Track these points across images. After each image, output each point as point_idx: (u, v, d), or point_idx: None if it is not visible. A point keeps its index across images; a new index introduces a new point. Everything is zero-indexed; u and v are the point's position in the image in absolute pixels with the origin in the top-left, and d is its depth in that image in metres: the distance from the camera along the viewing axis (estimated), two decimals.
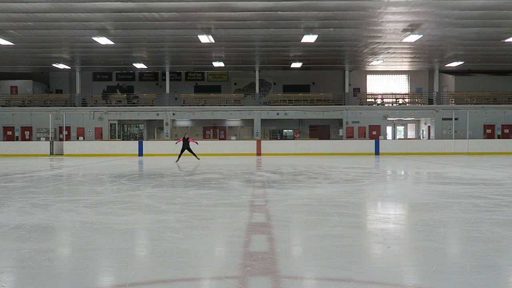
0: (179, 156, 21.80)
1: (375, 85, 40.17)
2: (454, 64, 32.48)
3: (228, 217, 6.89)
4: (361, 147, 28.95)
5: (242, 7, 18.75)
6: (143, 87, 40.25)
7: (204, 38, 22.87)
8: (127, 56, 30.09)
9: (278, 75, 39.64)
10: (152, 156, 27.83)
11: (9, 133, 34.34)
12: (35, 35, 23.47)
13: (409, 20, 20.89)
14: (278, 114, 34.13)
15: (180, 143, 22.23)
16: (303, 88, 39.58)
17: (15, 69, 36.45)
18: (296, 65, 32.86)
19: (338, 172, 15.31)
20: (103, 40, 23.35)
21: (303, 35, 22.72)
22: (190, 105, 35.50)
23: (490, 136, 33.69)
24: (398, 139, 36.15)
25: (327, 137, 36.56)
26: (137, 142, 29.67)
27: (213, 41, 23.66)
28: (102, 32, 22.44)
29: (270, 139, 35.84)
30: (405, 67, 36.19)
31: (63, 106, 35.27)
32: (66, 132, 33.61)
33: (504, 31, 22.85)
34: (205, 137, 38.10)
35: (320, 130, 37.47)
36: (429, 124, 35.89)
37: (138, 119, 35.74)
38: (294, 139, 35.23)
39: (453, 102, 35.82)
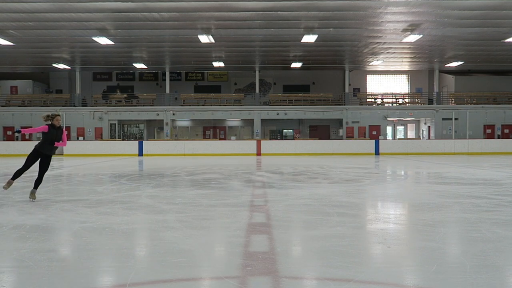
0: None
1: (375, 85, 40.17)
2: (454, 64, 32.49)
3: (228, 217, 6.89)
4: (361, 147, 28.94)
5: (242, 7, 18.75)
6: (143, 87, 40.25)
7: (204, 38, 22.88)
8: (127, 56, 30.09)
9: (278, 75, 39.64)
10: (152, 156, 27.83)
11: (9, 133, 34.33)
12: (35, 35, 23.47)
13: (409, 20, 20.89)
14: (278, 114, 34.13)
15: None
16: (303, 88, 39.58)
17: (15, 69, 36.45)
18: (296, 65, 32.87)
19: (338, 172, 15.31)
20: (103, 40, 23.36)
21: (303, 35, 22.72)
22: (190, 105, 35.51)
23: (490, 136, 33.69)
24: (398, 139, 36.14)
25: (327, 137, 36.55)
26: (137, 142, 29.66)
27: (213, 41, 23.66)
28: (102, 32, 22.44)
29: (270, 139, 35.83)
30: (405, 67, 36.19)
31: (63, 106, 35.27)
32: (66, 132, 33.51)
33: (504, 31, 22.85)
34: (205, 137, 38.10)
35: (320, 130, 37.46)
36: (429, 124, 35.89)
37: (138, 119, 35.74)
38: (294, 139, 35.22)
39: (453, 102, 35.83)
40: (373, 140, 29.57)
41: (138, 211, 7.47)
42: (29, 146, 30.48)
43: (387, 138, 34.93)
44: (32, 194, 8.65)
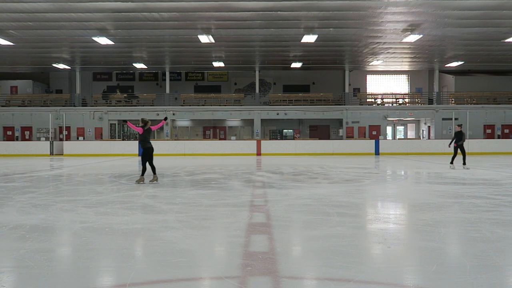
0: None
1: (375, 85, 40.16)
2: (454, 64, 32.47)
3: (228, 217, 6.89)
4: (361, 147, 28.94)
5: (242, 7, 18.74)
6: (143, 87, 40.25)
7: (204, 38, 22.87)
8: (127, 56, 30.07)
9: (278, 75, 39.64)
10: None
11: (9, 133, 34.33)
12: (35, 35, 23.45)
13: (409, 20, 20.88)
14: (278, 114, 34.12)
15: None
16: (303, 88, 39.58)
17: (15, 69, 36.43)
18: (296, 65, 32.85)
19: (338, 172, 15.31)
20: (103, 40, 23.35)
21: (303, 35, 22.71)
22: (190, 105, 35.49)
23: (490, 136, 33.68)
24: (398, 139, 36.12)
25: (327, 137, 36.55)
26: (137, 142, 29.65)
27: (213, 41, 23.65)
28: (102, 32, 22.43)
29: (270, 139, 35.80)
30: (405, 67, 36.16)
31: (63, 106, 35.26)
32: (66, 132, 33.61)
33: (504, 31, 22.84)
34: (205, 137, 38.10)
35: (320, 130, 37.45)
36: (429, 124, 35.89)
37: (138, 119, 35.67)
38: (294, 139, 35.21)
39: (453, 102, 35.82)
40: (373, 140, 29.58)
41: (138, 211, 7.47)
42: (29, 146, 30.64)
43: (387, 138, 34.93)
44: (154, 178, 11.93)
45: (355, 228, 6.17)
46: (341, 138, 34.41)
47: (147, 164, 12.04)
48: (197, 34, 22.59)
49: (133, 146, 29.30)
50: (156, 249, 5.11)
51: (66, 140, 31.96)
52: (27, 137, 34.23)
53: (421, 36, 23.09)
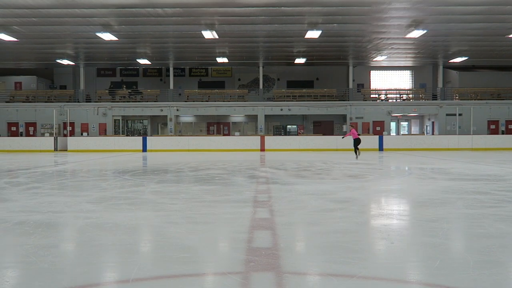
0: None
1: (379, 80, 40.06)
2: (458, 59, 32.36)
3: (231, 213, 6.90)
4: (365, 143, 28.83)
5: (246, 3, 18.72)
6: (147, 82, 40.28)
7: (208, 34, 22.85)
8: (131, 52, 30.09)
9: (282, 71, 39.59)
10: (156, 152, 27.87)
11: (13, 128, 34.45)
12: (39, 31, 23.49)
13: (413, 16, 20.81)
14: (282, 110, 34.10)
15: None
16: (307, 84, 39.53)
17: (19, 65, 36.50)
18: (300, 60, 32.80)
19: (341, 167, 15.30)
20: (107, 36, 23.36)
21: (307, 30, 22.66)
22: (194, 101, 35.51)
23: (494, 131, 33.58)
24: (402, 134, 36.08)
25: (331, 133, 36.53)
26: (141, 138, 29.72)
27: (216, 36, 23.63)
28: (106, 27, 22.44)
29: (274, 135, 35.78)
30: (409, 62, 36.07)
31: (67, 102, 35.34)
32: (70, 128, 33.69)
33: (508, 26, 22.74)
34: (209, 132, 38.12)
35: (324, 126, 37.42)
36: (433, 120, 35.82)
37: (142, 115, 35.78)
38: (298, 134, 35.22)
39: (457, 97, 35.72)
40: (377, 136, 29.54)
41: (141, 207, 7.48)
42: (33, 142, 30.80)
43: (391, 134, 34.87)
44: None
45: (358, 223, 6.17)
46: (344, 133, 34.35)
47: None
48: (201, 29, 22.58)
49: (137, 142, 29.36)
50: (160, 245, 5.12)
51: (70, 135, 32.03)
52: (31, 133, 34.34)
53: (425, 31, 23.01)
